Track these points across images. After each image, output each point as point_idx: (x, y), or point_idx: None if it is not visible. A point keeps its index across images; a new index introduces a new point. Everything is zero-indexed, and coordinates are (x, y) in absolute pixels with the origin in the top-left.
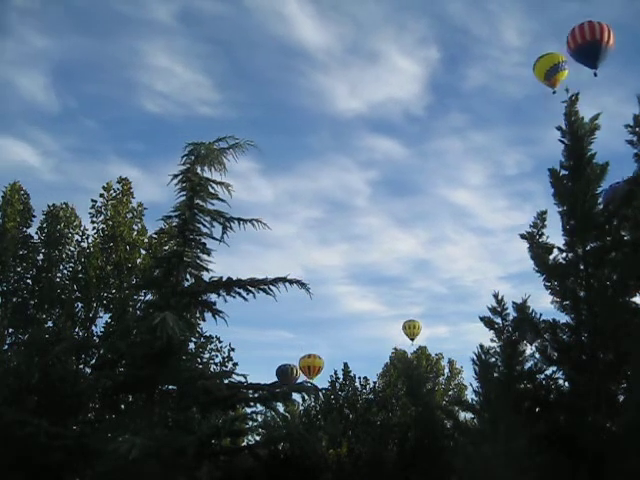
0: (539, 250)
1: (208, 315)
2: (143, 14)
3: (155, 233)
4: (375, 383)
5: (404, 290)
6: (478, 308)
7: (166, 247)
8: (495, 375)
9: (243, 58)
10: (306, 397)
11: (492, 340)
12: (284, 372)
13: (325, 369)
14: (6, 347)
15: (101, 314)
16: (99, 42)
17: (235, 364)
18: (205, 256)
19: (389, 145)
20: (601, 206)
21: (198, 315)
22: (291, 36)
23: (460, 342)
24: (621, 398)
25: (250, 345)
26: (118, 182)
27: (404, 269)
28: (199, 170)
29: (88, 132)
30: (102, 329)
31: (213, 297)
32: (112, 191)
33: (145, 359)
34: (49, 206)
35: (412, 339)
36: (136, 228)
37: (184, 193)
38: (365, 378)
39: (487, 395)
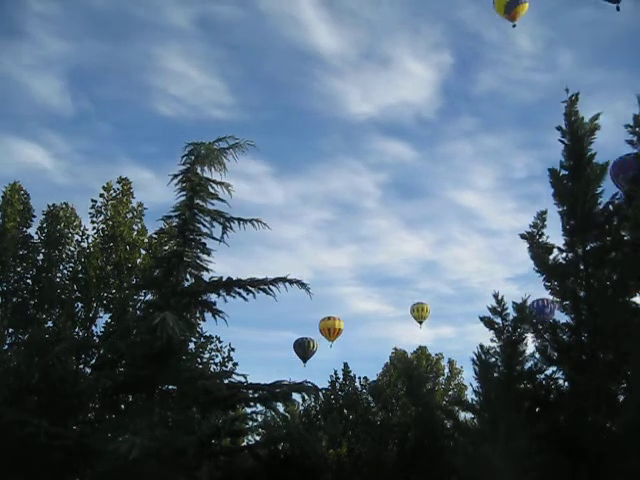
0: (539, 250)
1: (208, 315)
2: (160, 19)
3: (155, 233)
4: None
5: (410, 291)
6: (484, 309)
7: (166, 247)
8: (495, 375)
9: (258, 63)
10: (306, 397)
11: (492, 340)
12: (302, 345)
13: (345, 331)
14: (6, 347)
15: (101, 314)
16: (116, 47)
17: (235, 364)
18: (205, 256)
19: (400, 148)
20: (601, 206)
21: (198, 315)
22: (306, 41)
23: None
24: (621, 398)
25: (255, 346)
26: (118, 182)
27: (411, 270)
28: (199, 170)
29: (101, 135)
30: (102, 329)
31: (213, 297)
32: (112, 191)
33: (145, 359)
34: (49, 206)
35: (420, 322)
36: (136, 228)
37: (184, 193)
38: (365, 378)
39: (487, 395)
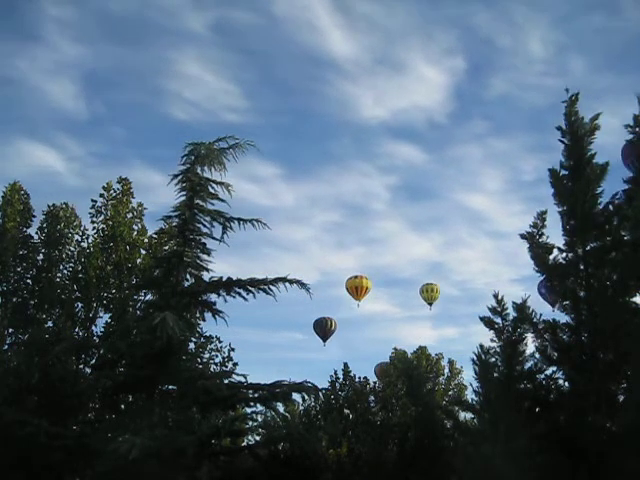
0: (539, 250)
1: (208, 315)
2: (177, 24)
3: (155, 233)
4: (375, 383)
5: (416, 292)
6: (486, 309)
7: (166, 247)
8: (495, 375)
9: (272, 67)
10: (306, 397)
11: (492, 340)
12: (321, 325)
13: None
14: (6, 347)
15: (101, 314)
16: (132, 51)
17: (235, 364)
18: (205, 256)
19: (410, 151)
20: (601, 206)
21: (198, 315)
22: (320, 46)
23: (468, 343)
24: (621, 398)
25: (261, 347)
26: (118, 182)
27: (418, 271)
28: (199, 170)
29: (114, 138)
30: (102, 329)
31: (213, 297)
32: (112, 191)
33: (145, 359)
34: (49, 206)
35: (430, 304)
36: (136, 228)
37: (184, 193)
38: (365, 378)
39: (487, 395)
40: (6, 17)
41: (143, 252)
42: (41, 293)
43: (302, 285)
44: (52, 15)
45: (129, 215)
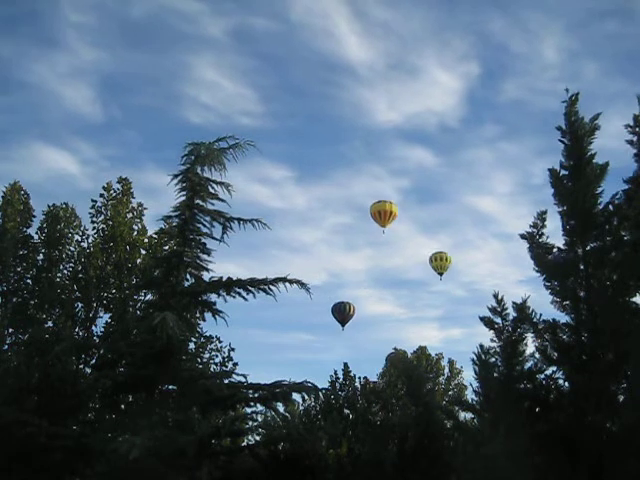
0: (539, 250)
1: (208, 315)
2: (196, 30)
3: (155, 233)
4: (375, 383)
5: (423, 293)
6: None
7: (166, 247)
8: (495, 375)
9: (289, 73)
10: (306, 397)
11: (492, 340)
12: (340, 309)
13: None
14: (6, 347)
15: (101, 314)
16: (150, 56)
17: (235, 364)
18: (205, 256)
19: (422, 154)
20: (601, 206)
21: (198, 315)
22: (337, 52)
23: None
24: (621, 398)
25: (268, 347)
26: (118, 182)
27: (425, 273)
28: (199, 170)
29: (129, 142)
30: (102, 329)
31: (213, 297)
32: (112, 191)
33: (145, 359)
34: (49, 206)
35: (440, 273)
36: (136, 228)
37: (184, 193)
38: (365, 378)
39: (487, 395)
40: (28, 23)
41: (143, 252)
42: (41, 293)
43: (302, 285)
44: (72, 21)
45: (129, 215)
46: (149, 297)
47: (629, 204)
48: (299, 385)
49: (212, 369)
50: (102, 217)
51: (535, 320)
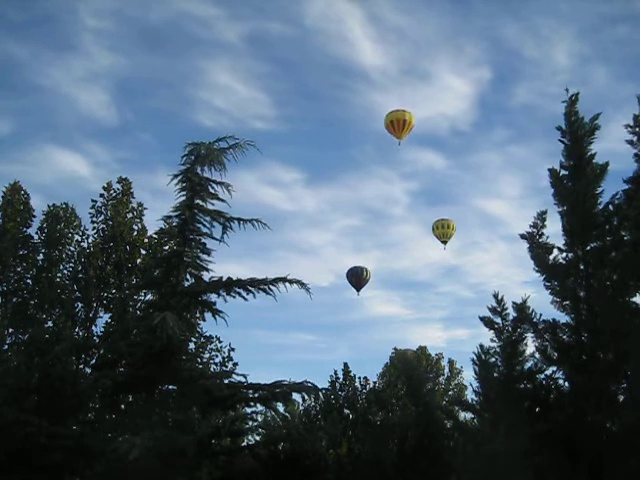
0: (539, 250)
1: (208, 315)
2: (213, 35)
3: (155, 233)
4: (375, 383)
5: (430, 294)
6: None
7: (166, 247)
8: (495, 375)
9: (303, 77)
10: (306, 397)
11: (492, 340)
12: (356, 273)
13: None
14: (6, 347)
15: (101, 314)
16: (165, 60)
17: (235, 364)
18: (205, 256)
19: (432, 157)
20: (601, 206)
21: (198, 315)
22: (350, 57)
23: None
24: (621, 398)
25: (271, 348)
26: (118, 182)
27: (432, 274)
28: (199, 170)
29: (142, 145)
30: (102, 329)
31: (213, 297)
32: (112, 191)
33: (145, 359)
34: (49, 206)
35: (444, 242)
36: (136, 228)
37: (184, 193)
38: (365, 378)
39: (487, 395)
40: (45, 28)
41: (143, 252)
42: (41, 293)
43: (302, 285)
44: (90, 26)
45: (129, 215)
46: (149, 297)
47: (629, 204)
48: (299, 385)
49: (212, 369)
50: (102, 217)
51: (535, 320)
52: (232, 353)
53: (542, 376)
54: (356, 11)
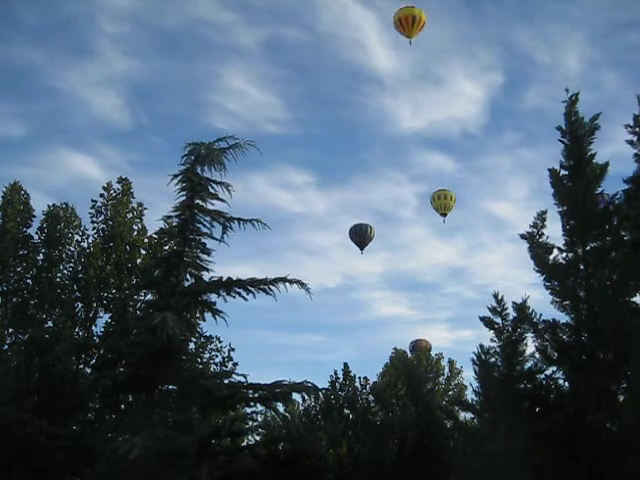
0: (539, 250)
1: (208, 315)
2: (229, 40)
3: (155, 233)
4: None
5: (436, 295)
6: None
7: (166, 247)
8: (495, 375)
9: (316, 82)
10: (306, 397)
11: (492, 340)
12: (360, 231)
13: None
14: (6, 347)
15: (101, 314)
16: (180, 65)
17: (235, 364)
18: (205, 256)
19: (442, 160)
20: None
21: (198, 315)
22: (365, 62)
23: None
24: (621, 398)
25: (275, 348)
26: (118, 182)
27: (439, 276)
28: (199, 170)
29: (154, 148)
30: (102, 329)
31: (213, 297)
32: (112, 191)
33: (145, 359)
34: (49, 206)
35: (444, 214)
36: (136, 228)
37: (184, 193)
38: (365, 378)
39: (487, 395)
40: (62, 33)
41: (143, 252)
42: (41, 293)
43: (302, 285)
44: (107, 31)
45: (129, 215)
46: (149, 297)
47: (629, 204)
48: (299, 385)
49: (212, 369)
50: (102, 217)
51: (535, 320)
52: (232, 353)
53: (542, 376)
54: (372, 18)
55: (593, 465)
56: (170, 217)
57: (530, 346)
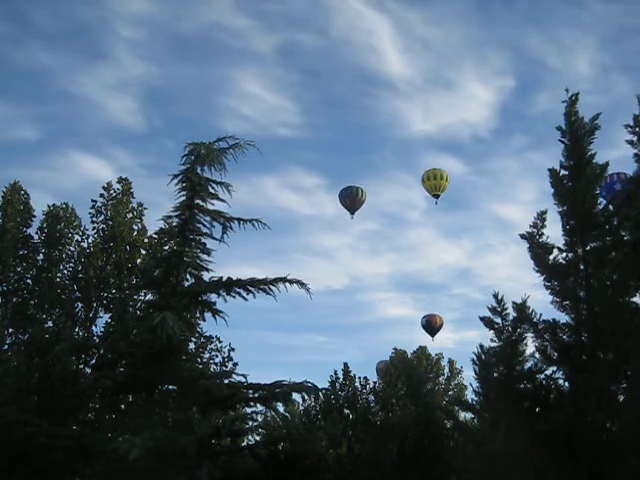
0: (539, 250)
1: (208, 315)
2: (245, 45)
3: (155, 233)
4: (375, 383)
5: (442, 296)
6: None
7: (166, 247)
8: (495, 375)
9: (330, 86)
10: (306, 397)
11: (492, 340)
12: (350, 194)
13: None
14: (6, 347)
15: (101, 314)
16: (195, 70)
17: (235, 364)
18: (205, 256)
19: (451, 163)
20: (601, 206)
21: (198, 315)
22: (379, 67)
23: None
24: (621, 398)
25: (283, 349)
26: (118, 182)
27: (445, 277)
28: (199, 170)
29: (166, 151)
30: (102, 329)
31: (213, 297)
32: (112, 191)
33: (145, 359)
34: (49, 206)
35: (436, 195)
36: (136, 228)
37: (184, 193)
38: (365, 378)
39: (487, 395)
40: (79, 37)
41: (143, 252)
42: (41, 293)
43: (302, 285)
44: (123, 36)
45: (129, 215)
46: (149, 297)
47: (629, 204)
48: (299, 385)
49: (212, 369)
50: (102, 217)
51: (535, 320)
52: (233, 353)
53: (542, 376)
54: (386, 23)
55: (593, 465)
56: (170, 217)
57: (530, 346)
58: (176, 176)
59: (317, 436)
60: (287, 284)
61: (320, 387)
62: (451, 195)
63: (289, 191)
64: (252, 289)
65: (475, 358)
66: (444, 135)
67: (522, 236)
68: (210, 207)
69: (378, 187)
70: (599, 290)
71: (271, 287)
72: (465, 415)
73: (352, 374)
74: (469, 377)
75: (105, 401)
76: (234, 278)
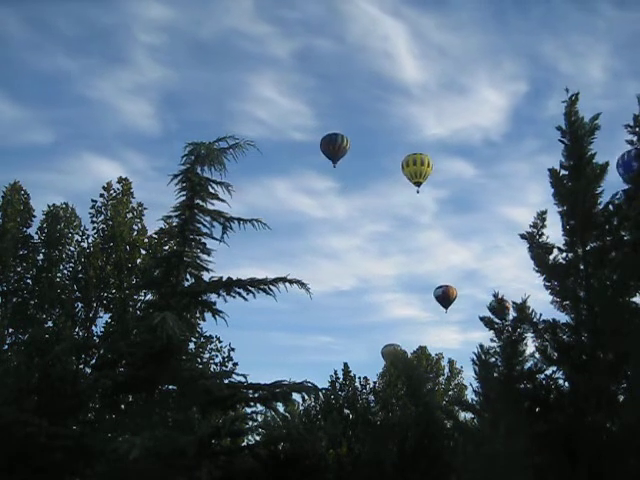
0: (539, 250)
1: (208, 315)
2: (262, 51)
3: (155, 233)
4: (375, 383)
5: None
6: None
7: (166, 247)
8: (495, 375)
9: (345, 92)
10: (306, 397)
11: (492, 340)
12: (331, 141)
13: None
14: (6, 347)
15: (101, 314)
16: (213, 75)
17: (235, 364)
18: (205, 256)
19: (462, 167)
20: (601, 206)
21: (198, 315)
22: (394, 73)
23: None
24: (621, 398)
25: (289, 350)
26: (118, 182)
27: (453, 278)
28: (199, 170)
29: (180, 154)
30: (102, 329)
31: (213, 297)
32: (112, 191)
33: (145, 359)
34: (49, 206)
35: (417, 183)
36: (136, 228)
37: (184, 193)
38: (365, 378)
39: (487, 395)
40: (98, 42)
41: (143, 252)
42: (41, 293)
43: (302, 285)
44: (142, 41)
45: (129, 215)
46: (149, 297)
47: (629, 204)
48: (299, 385)
49: (212, 369)
50: (102, 217)
51: (535, 320)
52: (233, 353)
53: (542, 376)
54: (400, 28)
55: (593, 465)
56: (170, 217)
57: (530, 346)
58: (176, 176)
59: (317, 436)
60: (287, 284)
61: (320, 387)
62: (461, 198)
63: (301, 194)
64: (252, 289)
65: (475, 358)
66: (456, 139)
67: (522, 236)
68: (210, 207)
69: (389, 189)
70: (599, 290)
71: (271, 287)
72: (465, 415)
73: (352, 374)
74: (469, 377)
75: (105, 401)
76: (234, 278)
